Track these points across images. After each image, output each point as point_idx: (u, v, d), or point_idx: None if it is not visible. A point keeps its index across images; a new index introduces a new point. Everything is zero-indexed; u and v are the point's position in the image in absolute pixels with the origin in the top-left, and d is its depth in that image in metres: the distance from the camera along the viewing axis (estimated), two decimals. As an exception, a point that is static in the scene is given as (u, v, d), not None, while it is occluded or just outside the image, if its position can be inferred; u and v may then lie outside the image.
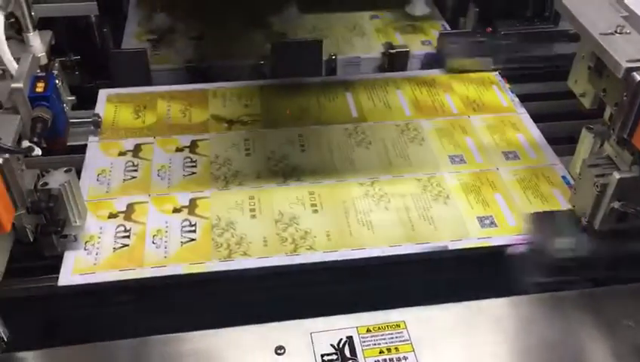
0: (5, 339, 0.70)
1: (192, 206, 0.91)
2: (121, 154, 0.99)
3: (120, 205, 0.91)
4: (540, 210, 0.89)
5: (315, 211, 0.90)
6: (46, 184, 0.79)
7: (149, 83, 1.17)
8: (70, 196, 0.81)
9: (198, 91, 1.13)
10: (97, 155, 0.99)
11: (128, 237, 0.86)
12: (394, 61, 1.26)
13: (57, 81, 0.86)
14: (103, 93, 1.12)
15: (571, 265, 0.81)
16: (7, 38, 0.87)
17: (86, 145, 1.01)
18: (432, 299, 0.79)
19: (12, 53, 0.85)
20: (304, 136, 1.03)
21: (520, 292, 0.81)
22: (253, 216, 0.89)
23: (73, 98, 1.02)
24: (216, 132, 1.04)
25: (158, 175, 0.96)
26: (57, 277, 0.81)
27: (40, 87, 0.78)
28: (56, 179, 0.80)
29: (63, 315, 0.82)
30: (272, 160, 0.99)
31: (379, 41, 1.28)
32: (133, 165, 0.97)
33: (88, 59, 1.19)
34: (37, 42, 0.92)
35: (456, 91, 1.14)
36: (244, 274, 0.83)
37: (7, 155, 0.70)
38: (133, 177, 0.95)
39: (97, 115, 1.04)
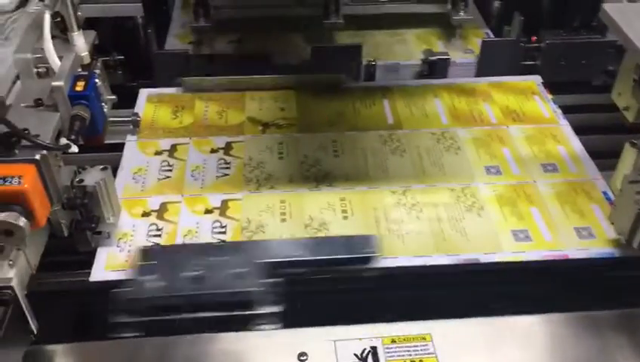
0: (35, 332, 0.72)
1: (223, 207, 0.91)
2: (157, 153, 1.01)
3: (153, 204, 0.92)
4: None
5: (345, 217, 0.90)
6: (82, 181, 0.81)
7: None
8: (105, 194, 0.82)
9: (235, 93, 1.14)
10: (135, 154, 1.01)
11: (160, 236, 0.87)
12: (434, 68, 1.25)
13: (98, 81, 0.87)
14: (143, 93, 1.14)
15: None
16: (52, 37, 0.90)
17: (124, 144, 1.03)
18: (461, 312, 0.78)
19: (56, 52, 0.87)
20: (338, 142, 1.03)
21: (552, 310, 0.79)
22: (284, 220, 0.89)
23: (114, 97, 1.04)
24: (251, 134, 1.05)
25: (192, 175, 0.97)
26: (90, 273, 0.82)
27: (80, 86, 0.80)
28: (92, 176, 0.81)
29: (93, 310, 0.83)
30: (305, 164, 0.99)
31: (419, 48, 1.27)
32: (169, 165, 0.99)
33: (132, 59, 1.22)
34: (80, 42, 0.94)
35: (496, 100, 1.12)
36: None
37: (44, 152, 0.72)
38: (168, 177, 0.97)
39: (136, 115, 1.06)
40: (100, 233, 0.86)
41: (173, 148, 1.02)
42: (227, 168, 0.98)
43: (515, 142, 1.02)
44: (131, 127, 1.04)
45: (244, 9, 1.29)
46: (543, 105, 1.11)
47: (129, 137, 1.04)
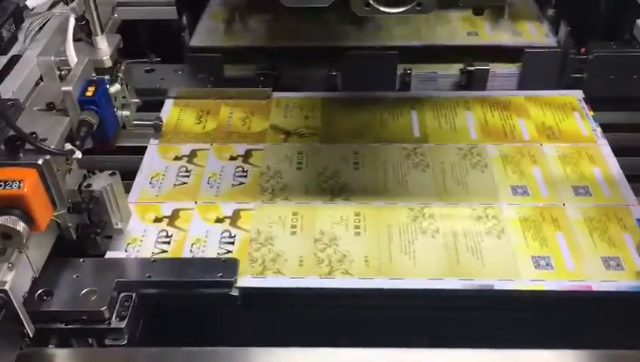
0: (31, 335, 0.72)
1: (234, 217, 0.90)
2: (177, 158, 1.01)
3: (167, 210, 0.92)
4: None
5: (358, 233, 0.87)
6: (89, 186, 0.81)
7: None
8: (112, 199, 0.82)
9: (263, 101, 1.12)
10: (155, 158, 1.01)
11: (168, 243, 0.87)
12: (472, 79, 1.19)
13: (117, 86, 0.87)
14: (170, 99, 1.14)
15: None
16: (78, 40, 0.91)
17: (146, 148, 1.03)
18: (469, 342, 0.73)
19: (82, 55, 0.88)
20: (360, 154, 1.00)
21: (570, 346, 0.73)
22: (294, 233, 0.87)
23: (138, 100, 1.04)
24: (271, 143, 1.03)
25: (208, 183, 0.96)
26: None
27: (90, 91, 0.80)
28: (100, 181, 0.81)
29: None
30: (323, 176, 0.96)
31: (464, 30, 1.21)
32: (186, 170, 0.98)
33: (169, 60, 1.22)
34: (104, 45, 0.94)
35: (532, 115, 1.06)
36: (275, 292, 0.81)
37: (47, 157, 0.72)
38: (184, 183, 0.96)
39: (159, 119, 1.06)
40: (110, 237, 0.86)
41: (193, 153, 1.01)
42: (244, 176, 0.97)
43: (547, 161, 0.96)
44: (153, 131, 1.04)
45: None
46: (582, 123, 1.04)
47: (152, 141, 1.04)
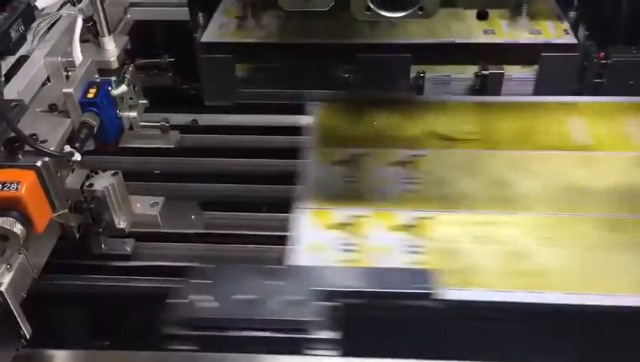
0: (27, 336, 0.72)
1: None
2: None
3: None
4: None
5: (551, 246, 0.82)
6: (91, 185, 0.81)
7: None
8: (114, 199, 0.82)
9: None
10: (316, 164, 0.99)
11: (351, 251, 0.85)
12: (486, 83, 1.17)
13: (124, 87, 0.87)
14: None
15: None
16: (85, 41, 0.91)
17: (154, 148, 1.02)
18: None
19: (89, 56, 0.88)
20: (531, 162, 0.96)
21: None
22: (480, 243, 0.84)
23: (146, 102, 1.04)
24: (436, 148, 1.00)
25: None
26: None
27: (92, 93, 0.80)
28: (102, 181, 0.82)
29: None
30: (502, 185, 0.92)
31: (479, 27, 1.18)
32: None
33: (183, 60, 1.22)
34: (111, 46, 0.94)
35: None
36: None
37: (46, 158, 0.73)
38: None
39: (166, 120, 1.05)
40: (116, 237, 0.86)
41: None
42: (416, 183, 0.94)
43: None
44: (160, 132, 1.04)
45: None
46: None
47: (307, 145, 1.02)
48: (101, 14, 0.93)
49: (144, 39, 1.18)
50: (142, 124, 0.98)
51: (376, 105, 1.07)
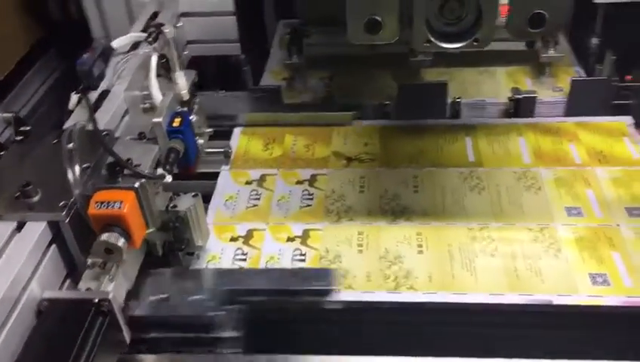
0: (127, 342, 0.80)
1: (304, 236, 0.97)
2: (248, 183, 1.08)
3: (241, 230, 0.99)
4: None
5: (420, 252, 0.92)
6: (175, 206, 0.89)
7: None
8: (195, 219, 0.90)
9: (323, 128, 1.19)
10: (227, 182, 1.09)
11: (244, 260, 0.94)
12: (520, 106, 1.25)
13: (194, 117, 0.95)
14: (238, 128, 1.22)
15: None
16: (157, 76, 0.99)
17: (218, 173, 1.11)
18: (527, 354, 0.78)
19: (161, 90, 0.96)
20: (419, 178, 1.06)
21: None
22: (360, 251, 0.93)
23: (211, 130, 1.12)
24: (334, 168, 1.10)
25: (278, 205, 1.03)
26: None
27: (177, 122, 0.88)
28: (185, 202, 0.89)
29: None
30: (385, 198, 1.02)
31: (507, 86, 1.27)
32: (257, 194, 1.06)
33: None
34: (182, 81, 1.03)
35: (582, 141, 1.11)
36: (345, 305, 0.87)
37: (143, 180, 0.81)
38: (255, 205, 1.03)
39: (228, 147, 1.13)
40: (192, 254, 0.94)
41: (262, 178, 1.09)
42: (310, 199, 1.04)
43: (600, 184, 1.01)
44: (223, 158, 1.12)
45: (335, 47, 1.35)
46: (633, 147, 1.08)
47: (223, 167, 1.12)
48: (174, 52, 1.02)
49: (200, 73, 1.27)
50: (207, 150, 1.06)
51: (291, 130, 1.19)
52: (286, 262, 0.93)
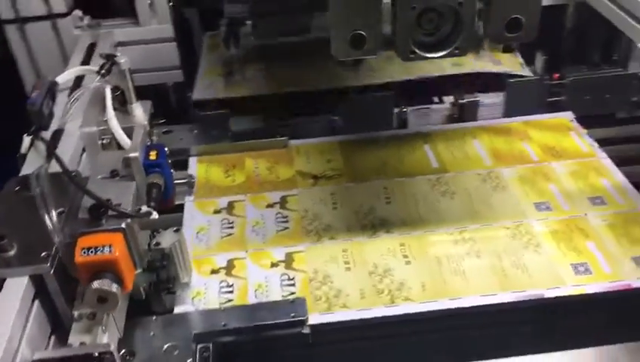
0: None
1: (288, 260, 0.94)
2: (217, 212, 1.05)
3: (220, 261, 0.95)
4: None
5: (408, 262, 0.93)
6: (158, 244, 0.84)
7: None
8: (180, 254, 0.86)
9: (282, 150, 1.18)
10: (195, 214, 1.04)
11: (232, 292, 0.90)
12: (464, 110, 1.29)
13: (166, 149, 0.91)
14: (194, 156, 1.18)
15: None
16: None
17: (182, 205, 1.06)
18: (525, 349, 0.80)
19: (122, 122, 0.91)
20: (388, 189, 1.07)
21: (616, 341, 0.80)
22: (348, 269, 0.92)
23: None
24: (303, 187, 1.08)
25: (253, 231, 1.00)
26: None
27: (153, 155, 0.84)
28: (167, 238, 0.85)
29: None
30: (360, 213, 1.02)
31: (449, 63, 1.29)
32: (229, 222, 1.02)
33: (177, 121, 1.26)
34: (139, 112, 0.98)
35: (534, 138, 1.16)
36: (345, 325, 0.86)
37: (129, 220, 0.76)
38: (230, 234, 1.00)
39: (191, 176, 1.10)
40: (174, 293, 0.89)
41: (231, 205, 1.06)
42: (286, 222, 1.02)
43: (559, 178, 1.06)
44: (187, 188, 1.08)
45: (272, 36, 1.30)
46: (580, 140, 1.15)
47: (187, 198, 1.07)
48: (130, 83, 0.97)
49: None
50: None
51: (249, 154, 1.17)
52: (275, 288, 0.90)
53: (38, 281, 0.74)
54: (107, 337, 0.74)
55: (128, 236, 0.75)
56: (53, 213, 0.76)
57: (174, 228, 0.87)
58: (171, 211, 1.04)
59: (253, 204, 1.06)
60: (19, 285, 0.72)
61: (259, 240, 0.99)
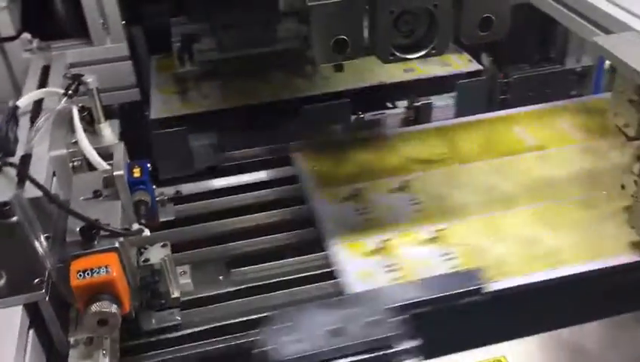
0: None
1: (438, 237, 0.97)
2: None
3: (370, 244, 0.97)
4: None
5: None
6: (147, 260, 0.83)
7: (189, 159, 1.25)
8: (170, 269, 0.85)
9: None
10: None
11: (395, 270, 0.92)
12: (419, 113, 1.34)
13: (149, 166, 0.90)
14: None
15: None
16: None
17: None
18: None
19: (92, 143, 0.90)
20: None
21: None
22: (499, 240, 0.96)
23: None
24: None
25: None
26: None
27: (137, 173, 0.83)
28: (155, 254, 0.84)
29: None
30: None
31: (400, 68, 1.34)
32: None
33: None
34: (108, 131, 0.97)
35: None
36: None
37: (121, 239, 0.74)
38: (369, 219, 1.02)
39: (163, 193, 1.08)
40: (163, 310, 0.88)
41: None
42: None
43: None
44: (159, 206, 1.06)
45: (226, 51, 1.33)
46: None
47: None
48: (98, 103, 0.96)
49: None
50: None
51: (351, 144, 1.19)
52: (437, 263, 0.92)
53: (32, 310, 0.71)
54: (108, 360, 0.72)
55: (122, 255, 0.74)
56: (42, 238, 0.74)
57: (161, 244, 0.86)
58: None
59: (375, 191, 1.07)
60: (13, 315, 0.69)
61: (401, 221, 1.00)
